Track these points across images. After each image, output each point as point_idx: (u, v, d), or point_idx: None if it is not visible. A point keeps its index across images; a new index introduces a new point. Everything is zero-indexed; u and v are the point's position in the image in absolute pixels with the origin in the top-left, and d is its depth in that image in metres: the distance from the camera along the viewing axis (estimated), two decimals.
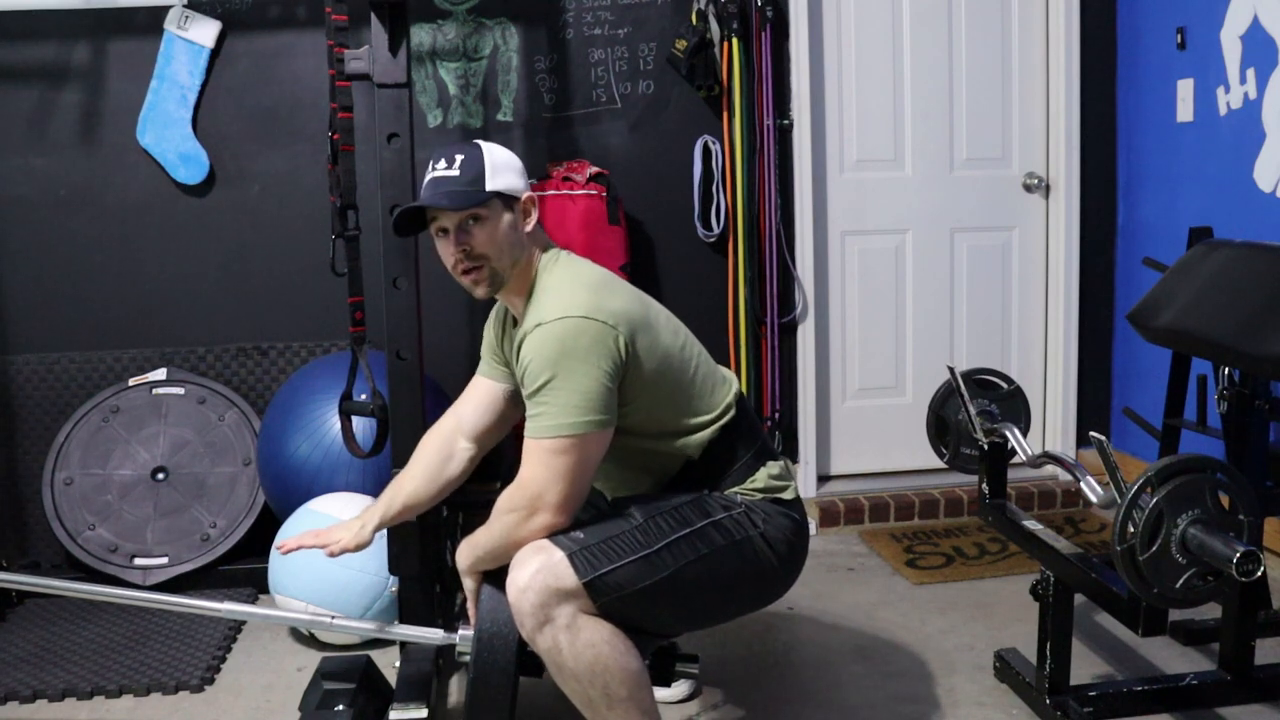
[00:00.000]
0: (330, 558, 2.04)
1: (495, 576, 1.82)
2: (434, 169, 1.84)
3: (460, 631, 1.93)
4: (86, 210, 3.22)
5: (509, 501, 1.76)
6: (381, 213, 2.33)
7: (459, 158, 1.82)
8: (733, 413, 1.90)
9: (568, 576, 1.68)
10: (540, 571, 1.68)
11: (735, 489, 1.88)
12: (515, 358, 1.82)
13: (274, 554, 2.61)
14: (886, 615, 2.74)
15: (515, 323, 1.92)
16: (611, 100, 3.36)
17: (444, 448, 2.07)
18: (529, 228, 1.87)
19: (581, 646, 1.68)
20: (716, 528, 1.80)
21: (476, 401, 2.08)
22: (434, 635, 1.98)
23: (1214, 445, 2.64)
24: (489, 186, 1.81)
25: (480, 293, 1.84)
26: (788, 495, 1.92)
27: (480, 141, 1.88)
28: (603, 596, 1.70)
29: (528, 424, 1.75)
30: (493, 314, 2.07)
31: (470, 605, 1.88)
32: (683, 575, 1.75)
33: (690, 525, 1.78)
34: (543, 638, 1.69)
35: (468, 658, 1.79)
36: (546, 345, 1.71)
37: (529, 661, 1.80)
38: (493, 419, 2.07)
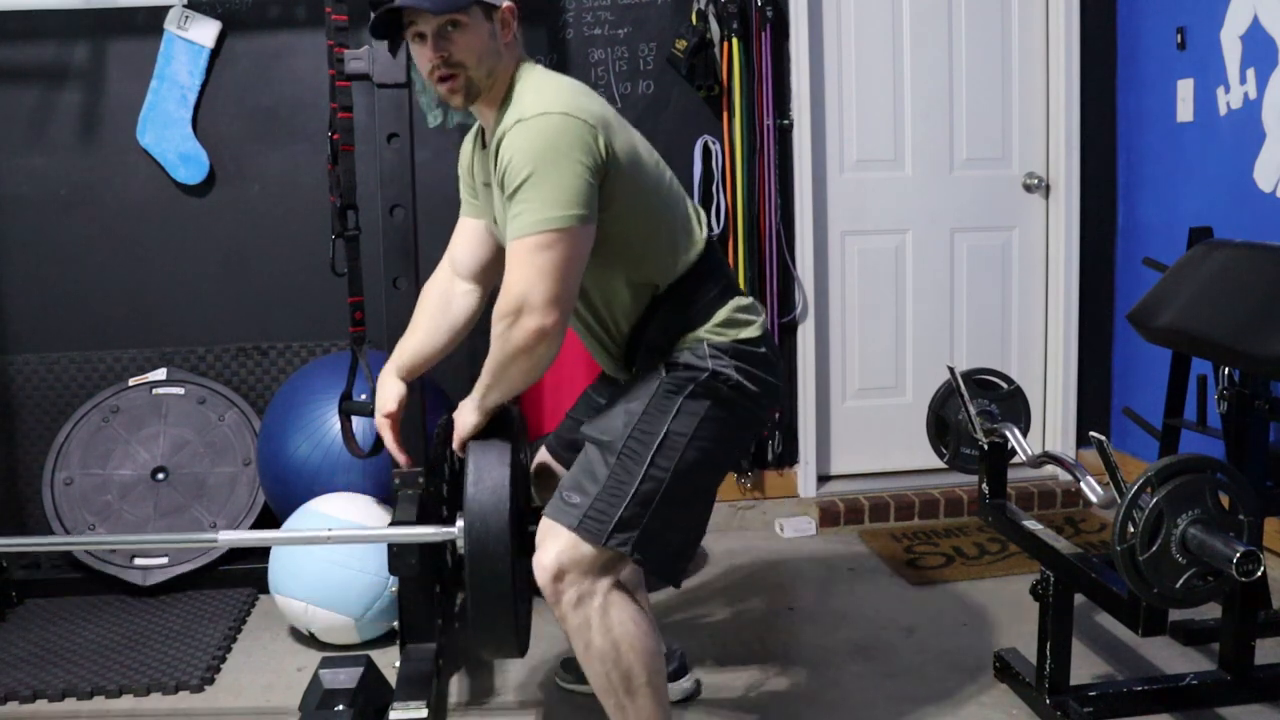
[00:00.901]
0: (387, 418, 2.00)
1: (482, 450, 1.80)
2: None
3: (458, 524, 1.87)
4: (86, 210, 3.22)
5: (497, 310, 1.72)
6: (381, 213, 2.33)
7: None
8: (703, 244, 1.89)
9: (586, 548, 1.70)
10: (561, 553, 1.69)
11: (702, 328, 1.83)
12: (493, 165, 1.76)
13: (274, 554, 2.61)
14: (886, 615, 2.74)
15: (485, 144, 1.88)
16: (611, 100, 3.36)
17: (441, 295, 2.06)
18: (508, 39, 1.82)
19: (612, 623, 1.71)
20: (690, 407, 1.78)
21: (465, 241, 2.05)
22: (430, 532, 1.96)
23: (1214, 445, 2.64)
24: None
25: (456, 102, 1.79)
26: (753, 332, 1.87)
27: None
28: (627, 543, 1.71)
29: (509, 227, 1.70)
30: (464, 146, 2.03)
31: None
32: (681, 471, 1.76)
33: (665, 419, 1.77)
34: (576, 615, 1.71)
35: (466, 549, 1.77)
36: (527, 141, 1.67)
37: (528, 540, 1.78)
38: (486, 254, 2.04)
